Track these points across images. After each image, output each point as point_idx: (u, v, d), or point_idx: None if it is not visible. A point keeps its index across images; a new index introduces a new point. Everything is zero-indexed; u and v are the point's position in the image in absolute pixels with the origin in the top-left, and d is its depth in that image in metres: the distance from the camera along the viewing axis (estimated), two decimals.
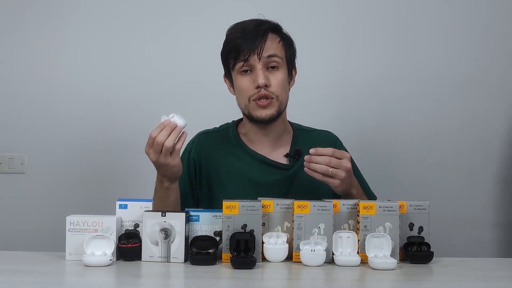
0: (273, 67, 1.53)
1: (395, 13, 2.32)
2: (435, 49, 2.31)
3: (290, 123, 1.69)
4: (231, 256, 1.26)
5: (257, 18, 1.58)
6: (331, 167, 1.40)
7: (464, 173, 2.31)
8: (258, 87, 1.51)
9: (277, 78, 1.53)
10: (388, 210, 1.30)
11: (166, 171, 1.41)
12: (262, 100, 1.52)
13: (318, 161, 1.40)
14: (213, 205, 1.54)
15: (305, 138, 1.65)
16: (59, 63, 2.35)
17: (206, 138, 1.65)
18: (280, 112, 1.56)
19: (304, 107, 2.16)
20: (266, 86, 1.51)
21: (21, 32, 2.35)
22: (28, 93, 2.35)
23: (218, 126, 1.71)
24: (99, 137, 2.33)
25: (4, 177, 2.35)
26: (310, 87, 2.23)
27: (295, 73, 1.64)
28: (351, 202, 1.35)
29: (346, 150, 1.59)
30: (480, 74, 2.31)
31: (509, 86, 2.31)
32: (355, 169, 1.57)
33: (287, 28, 1.62)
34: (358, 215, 1.31)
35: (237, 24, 1.57)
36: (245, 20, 1.57)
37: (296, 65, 1.65)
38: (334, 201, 1.33)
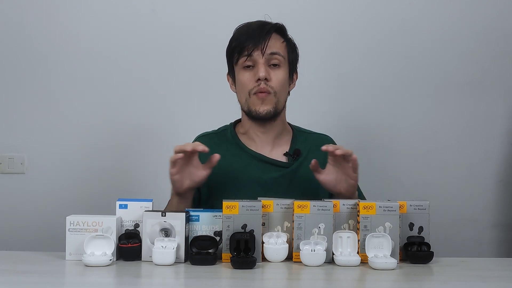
0: (275, 65, 1.57)
1: (394, 13, 2.31)
2: (435, 49, 2.31)
3: (290, 124, 1.71)
4: (231, 256, 1.27)
5: (263, 19, 1.62)
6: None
7: (464, 173, 2.30)
8: (258, 80, 1.54)
9: (277, 75, 1.57)
10: (388, 210, 1.30)
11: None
12: (261, 93, 1.55)
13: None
14: (214, 205, 1.54)
15: (304, 140, 1.67)
16: (59, 63, 2.34)
17: (205, 140, 1.65)
18: (278, 110, 1.59)
19: (303, 107, 2.15)
20: (266, 80, 1.54)
21: (22, 32, 2.35)
22: (28, 93, 2.35)
23: (216, 128, 1.72)
24: (99, 137, 2.33)
25: (4, 177, 2.35)
26: (309, 87, 2.23)
27: (296, 77, 1.67)
28: (351, 202, 1.35)
29: None
30: (480, 74, 2.31)
31: (509, 86, 2.31)
32: None
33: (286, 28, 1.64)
34: (358, 215, 1.31)
35: (244, 24, 1.62)
36: (252, 21, 1.62)
37: (298, 70, 1.67)
38: (334, 201, 1.33)
